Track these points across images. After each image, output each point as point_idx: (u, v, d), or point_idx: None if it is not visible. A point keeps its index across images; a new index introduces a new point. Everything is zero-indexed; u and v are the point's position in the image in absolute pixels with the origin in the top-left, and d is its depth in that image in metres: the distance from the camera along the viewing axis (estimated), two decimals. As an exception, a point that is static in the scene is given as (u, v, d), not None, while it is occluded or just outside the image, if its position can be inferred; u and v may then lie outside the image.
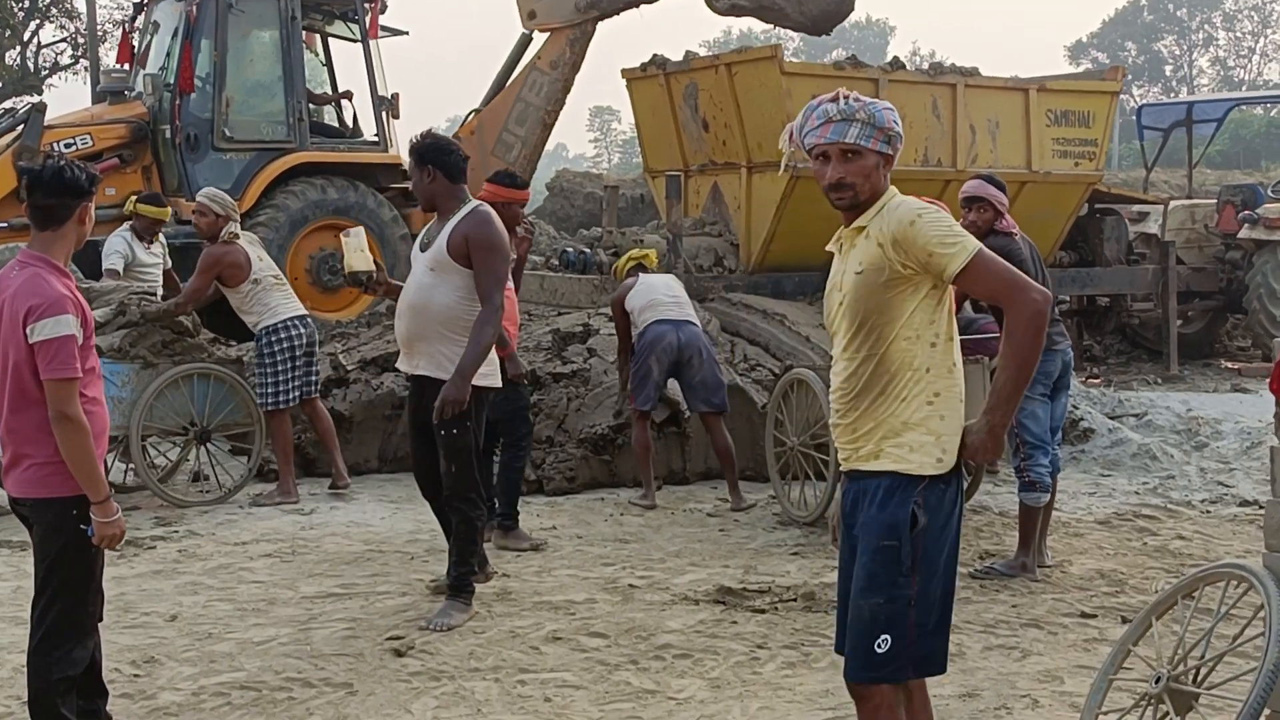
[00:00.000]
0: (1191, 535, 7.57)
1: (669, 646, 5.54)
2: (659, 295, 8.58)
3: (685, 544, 7.43)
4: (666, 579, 6.63)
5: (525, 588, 6.46)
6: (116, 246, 9.47)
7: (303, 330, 8.59)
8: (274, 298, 8.56)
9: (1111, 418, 10.26)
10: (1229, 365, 14.85)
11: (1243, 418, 10.42)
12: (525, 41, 13.12)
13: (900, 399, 3.57)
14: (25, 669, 4.23)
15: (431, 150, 6.01)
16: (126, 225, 9.73)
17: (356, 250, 6.45)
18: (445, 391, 5.80)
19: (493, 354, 6.14)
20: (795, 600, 6.17)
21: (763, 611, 6.03)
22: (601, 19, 13.17)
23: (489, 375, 6.14)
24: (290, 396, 8.54)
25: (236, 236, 8.52)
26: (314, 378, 8.74)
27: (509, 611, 6.07)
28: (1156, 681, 4.16)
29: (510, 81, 13.23)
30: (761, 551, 7.25)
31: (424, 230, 6.22)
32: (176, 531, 7.76)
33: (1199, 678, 4.17)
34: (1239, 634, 4.28)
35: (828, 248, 3.77)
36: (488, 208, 6.10)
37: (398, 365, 6.45)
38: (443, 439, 5.94)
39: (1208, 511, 8.21)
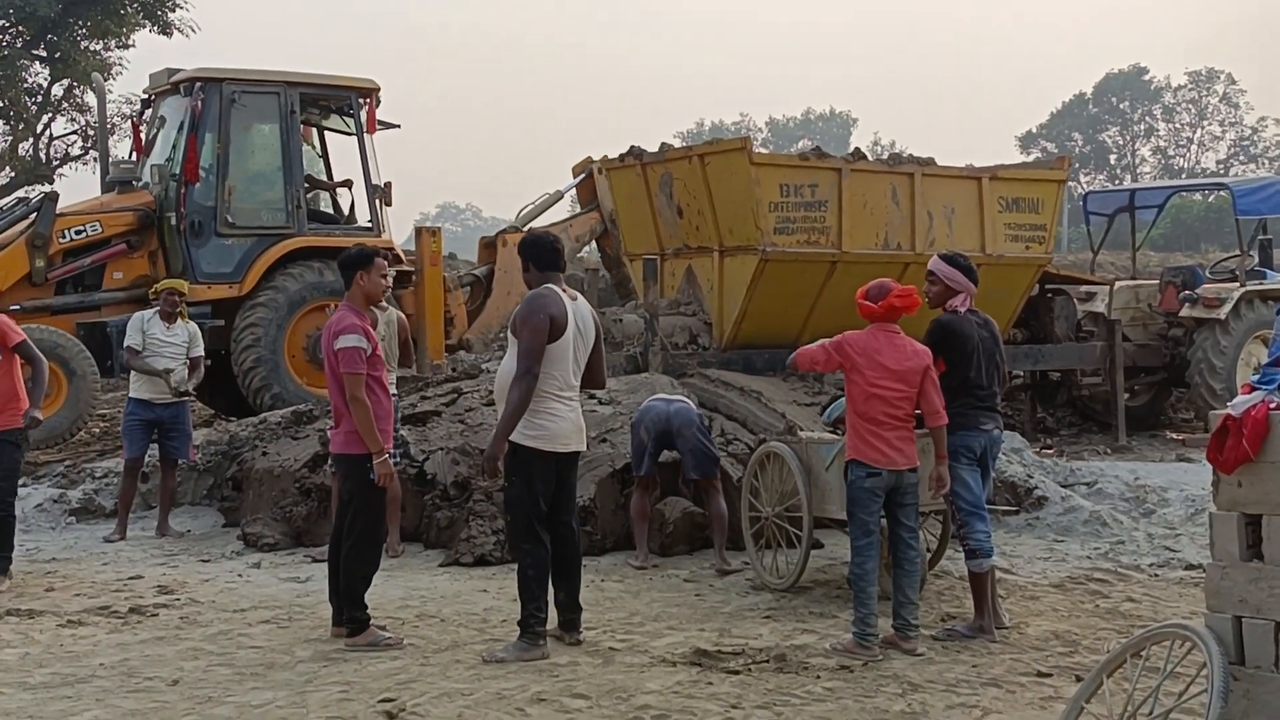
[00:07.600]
0: (1141, 597, 7.60)
1: (648, 707, 5.53)
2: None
3: (663, 608, 7.42)
4: (645, 642, 6.62)
5: (511, 651, 6.43)
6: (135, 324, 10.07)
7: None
8: None
9: (1064, 486, 10.32)
10: (1174, 436, 14.95)
11: (1187, 486, 10.49)
12: (558, 196, 14.00)
13: None
14: None
15: (523, 246, 6.56)
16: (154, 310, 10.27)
17: None
18: (487, 451, 6.21)
19: (573, 418, 6.38)
20: (768, 662, 6.16)
21: (737, 673, 6.02)
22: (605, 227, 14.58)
23: (540, 437, 6.28)
24: None
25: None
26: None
27: (496, 674, 6.04)
28: (1108, 737, 4.18)
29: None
30: (736, 615, 7.24)
31: None
32: (178, 599, 7.71)
33: (1148, 733, 4.19)
34: (1184, 690, 4.31)
35: None
36: (535, 292, 6.41)
37: None
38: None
39: (1156, 575, 8.24)
